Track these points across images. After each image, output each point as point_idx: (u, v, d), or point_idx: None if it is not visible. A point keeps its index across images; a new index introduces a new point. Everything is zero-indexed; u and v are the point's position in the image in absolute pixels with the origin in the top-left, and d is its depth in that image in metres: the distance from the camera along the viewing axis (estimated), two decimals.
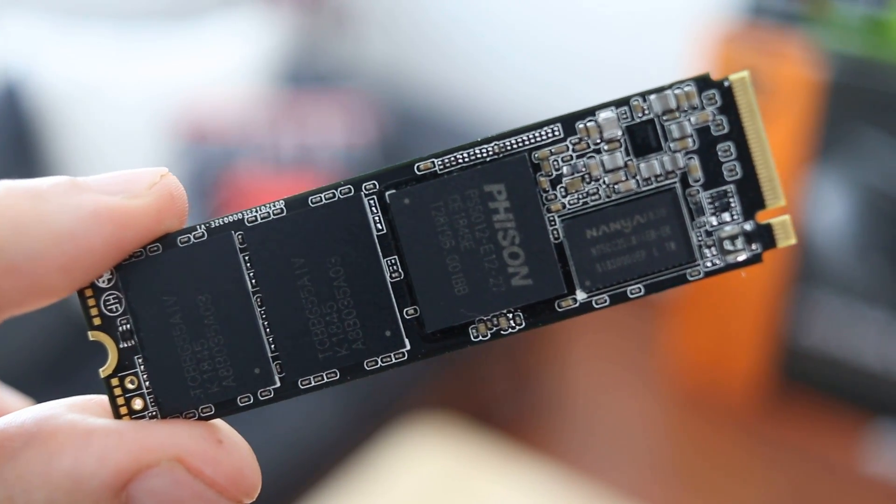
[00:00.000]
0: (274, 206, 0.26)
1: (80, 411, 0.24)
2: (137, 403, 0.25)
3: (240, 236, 0.25)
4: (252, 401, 0.25)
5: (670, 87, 0.25)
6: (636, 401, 1.42)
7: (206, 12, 1.51)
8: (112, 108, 1.36)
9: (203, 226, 0.25)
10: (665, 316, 1.43)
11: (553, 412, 1.38)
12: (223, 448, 0.24)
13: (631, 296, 0.26)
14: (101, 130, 1.36)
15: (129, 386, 0.25)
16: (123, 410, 0.25)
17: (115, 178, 0.25)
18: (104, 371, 0.25)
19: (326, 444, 1.16)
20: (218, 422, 0.25)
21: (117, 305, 0.25)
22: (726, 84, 0.25)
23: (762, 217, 0.25)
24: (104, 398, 0.25)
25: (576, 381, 1.43)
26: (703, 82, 0.25)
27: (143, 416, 0.25)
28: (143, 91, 1.36)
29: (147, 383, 0.25)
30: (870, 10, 1.19)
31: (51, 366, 1.18)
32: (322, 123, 1.36)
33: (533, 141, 0.25)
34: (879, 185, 1.19)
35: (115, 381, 0.25)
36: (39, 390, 0.35)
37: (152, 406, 0.25)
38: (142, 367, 0.25)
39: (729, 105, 0.25)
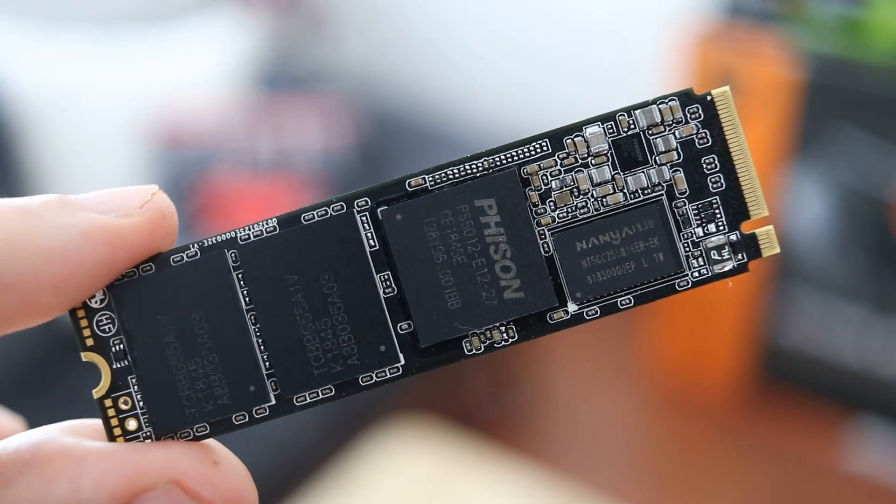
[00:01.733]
0: (267, 223, 0.26)
1: (74, 435, 0.24)
2: (131, 424, 0.25)
3: (233, 254, 0.26)
4: (247, 419, 0.26)
5: (655, 101, 0.26)
6: (617, 401, 1.42)
7: (181, 16, 1.50)
8: (87, 112, 1.35)
9: (196, 245, 0.26)
10: (644, 316, 1.43)
11: (534, 414, 1.38)
12: (219, 469, 0.24)
13: (621, 307, 0.26)
14: (76, 135, 1.36)
15: (123, 406, 0.25)
16: (118, 432, 0.25)
17: (107, 196, 0.25)
18: (97, 392, 0.25)
19: (306, 448, 1.16)
20: (213, 442, 0.25)
21: (110, 325, 0.25)
22: (709, 98, 0.26)
23: (747, 227, 0.26)
24: (97, 421, 0.25)
25: (557, 382, 1.43)
26: (686, 97, 0.26)
27: (137, 437, 0.25)
28: (119, 96, 1.36)
29: (141, 403, 0.25)
30: (845, 9, 1.20)
31: (28, 376, 1.17)
32: (299, 127, 1.35)
33: (522, 156, 0.26)
34: (857, 183, 1.20)
35: (108, 402, 0.25)
36: (16, 402, 0.35)
37: (146, 426, 0.25)
38: (135, 387, 0.25)
39: (712, 118, 0.26)
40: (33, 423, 0.29)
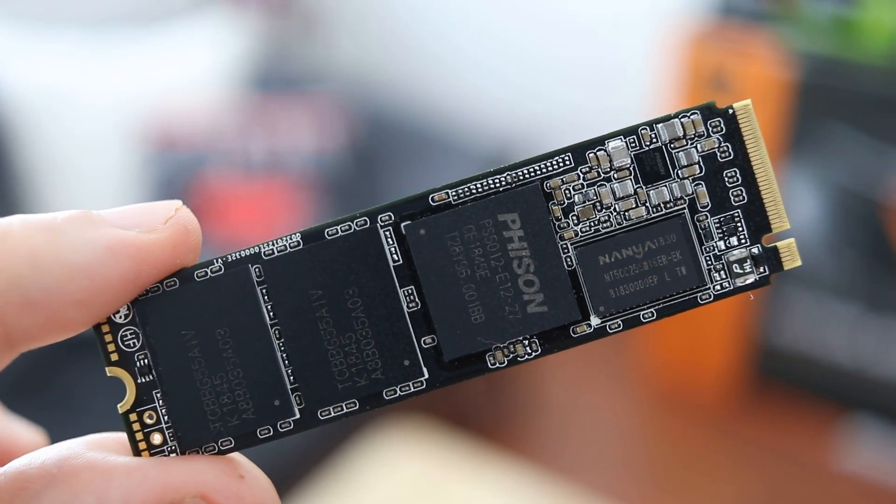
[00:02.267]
0: (290, 238, 0.26)
1: (100, 449, 0.24)
2: (156, 438, 0.25)
3: (257, 269, 0.26)
4: (272, 433, 0.26)
5: (677, 115, 0.26)
6: (611, 401, 1.42)
7: (173, 17, 1.50)
8: (80, 114, 1.35)
9: (220, 260, 0.26)
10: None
11: (528, 414, 1.38)
12: (245, 483, 0.24)
13: (644, 320, 0.26)
14: (69, 137, 1.35)
15: (148, 421, 0.25)
16: (143, 446, 0.25)
17: (131, 211, 0.25)
18: (122, 406, 0.25)
19: (302, 449, 1.16)
20: (238, 456, 0.25)
21: (135, 340, 0.25)
22: (731, 112, 0.26)
23: (768, 240, 0.26)
24: (122, 435, 0.25)
25: (550, 383, 1.43)
26: (708, 110, 0.26)
27: (162, 451, 0.25)
28: (112, 97, 1.35)
29: (166, 418, 0.25)
30: (838, 9, 1.21)
31: (26, 378, 1.17)
32: (292, 128, 1.35)
33: (545, 171, 0.26)
34: (850, 183, 1.21)
35: (133, 417, 0.25)
36: (14, 404, 0.35)
37: (171, 440, 0.25)
38: (160, 401, 0.25)
39: (733, 132, 0.26)
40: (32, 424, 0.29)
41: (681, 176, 0.26)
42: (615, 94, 1.47)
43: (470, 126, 1.48)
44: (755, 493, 1.25)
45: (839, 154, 1.19)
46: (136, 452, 0.25)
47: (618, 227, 0.26)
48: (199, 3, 1.55)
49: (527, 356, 0.26)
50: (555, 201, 0.26)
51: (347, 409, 0.26)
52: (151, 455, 0.25)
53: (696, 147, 0.26)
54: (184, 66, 1.40)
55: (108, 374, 0.25)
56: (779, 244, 0.26)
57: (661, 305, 0.26)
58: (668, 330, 1.38)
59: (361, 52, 1.76)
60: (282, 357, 0.25)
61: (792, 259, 0.26)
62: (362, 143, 1.39)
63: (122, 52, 1.40)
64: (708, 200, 0.26)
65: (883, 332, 1.23)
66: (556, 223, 0.26)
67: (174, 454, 0.25)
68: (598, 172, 0.26)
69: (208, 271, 0.26)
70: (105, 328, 0.25)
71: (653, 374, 1.42)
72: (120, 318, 0.25)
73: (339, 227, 0.26)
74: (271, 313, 0.26)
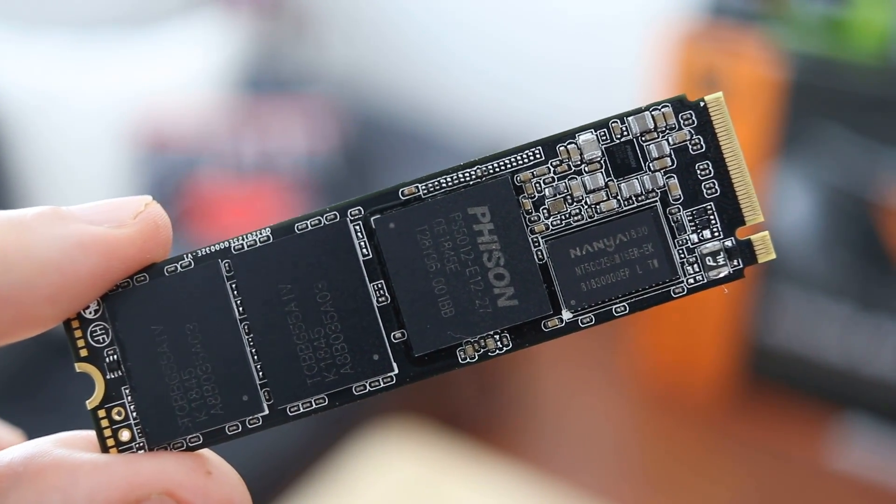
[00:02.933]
0: (260, 233, 0.26)
1: (68, 446, 0.24)
2: (125, 435, 0.25)
3: (227, 264, 0.25)
4: (240, 429, 0.26)
5: (648, 108, 0.26)
6: (604, 401, 1.42)
7: (164, 19, 1.50)
8: (71, 117, 1.35)
9: (190, 255, 0.26)
10: (630, 316, 1.43)
11: (521, 415, 1.38)
12: (212, 479, 0.24)
13: (616, 314, 0.26)
14: (60, 140, 1.35)
15: (117, 417, 0.25)
16: (111, 443, 0.25)
17: (100, 207, 0.25)
18: (91, 403, 0.25)
19: (294, 450, 1.16)
20: (206, 452, 0.25)
21: (104, 336, 0.25)
22: (702, 104, 0.26)
23: (742, 233, 0.26)
24: (91, 433, 0.25)
25: (543, 383, 1.43)
26: (679, 103, 0.26)
27: (130, 448, 0.25)
28: (102, 100, 1.35)
29: (134, 414, 0.25)
30: (828, 9, 1.21)
31: (12, 381, 1.16)
32: (283, 130, 1.35)
33: (515, 164, 0.26)
34: (841, 182, 1.21)
35: (102, 413, 0.25)
36: (1, 408, 0.35)
37: (139, 437, 0.25)
38: (129, 397, 0.25)
39: (705, 124, 0.26)
40: (20, 428, 0.29)
41: (652, 168, 0.26)
42: (606, 94, 1.47)
43: (461, 126, 1.48)
44: (748, 492, 1.25)
45: (830, 153, 1.19)
46: (105, 449, 0.25)
47: (589, 220, 0.26)
48: (190, 5, 1.55)
49: (497, 351, 0.26)
50: (525, 195, 0.26)
51: (316, 405, 0.25)
52: (119, 452, 0.25)
53: (667, 140, 0.26)
54: (175, 68, 1.39)
55: (77, 370, 0.25)
56: (752, 237, 0.26)
57: (634, 299, 0.26)
58: (661, 330, 1.38)
59: (352, 53, 1.76)
60: (251, 352, 0.25)
61: (766, 252, 0.26)
62: (353, 143, 1.39)
63: (113, 53, 1.39)
64: (680, 193, 0.26)
65: (875, 331, 1.23)
66: (527, 216, 0.26)
67: (142, 451, 0.25)
68: (568, 165, 0.26)
69: (178, 266, 0.25)
70: (75, 324, 0.25)
71: (646, 374, 1.42)
72: (90, 313, 0.25)
73: (308, 222, 0.26)
74: (240, 308, 0.25)
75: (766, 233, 0.26)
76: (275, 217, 1.29)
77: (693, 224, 0.26)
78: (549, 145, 0.26)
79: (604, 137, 0.26)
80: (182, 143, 1.34)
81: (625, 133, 0.26)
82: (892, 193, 1.18)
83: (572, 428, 1.40)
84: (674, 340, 1.37)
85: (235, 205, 1.32)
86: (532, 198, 0.26)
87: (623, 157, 0.26)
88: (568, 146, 0.26)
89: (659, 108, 0.26)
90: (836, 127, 1.19)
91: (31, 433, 0.30)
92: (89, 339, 0.25)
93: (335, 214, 0.26)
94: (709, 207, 0.26)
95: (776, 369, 1.32)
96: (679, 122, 0.26)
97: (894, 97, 1.17)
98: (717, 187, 0.26)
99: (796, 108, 1.20)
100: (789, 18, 1.23)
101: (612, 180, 0.26)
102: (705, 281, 0.26)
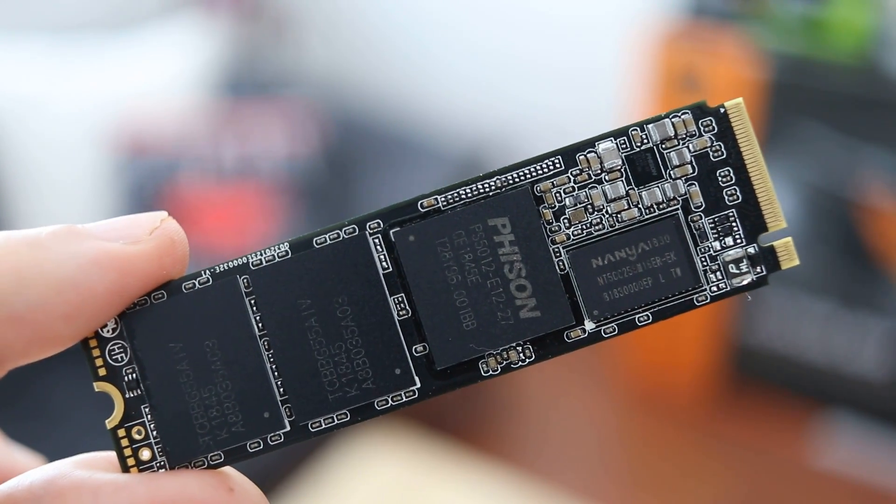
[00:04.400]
0: (279, 248, 0.25)
1: (88, 468, 0.24)
2: (145, 454, 0.25)
3: (245, 280, 0.25)
4: (262, 446, 0.25)
5: (667, 115, 0.26)
6: (588, 403, 1.42)
7: (143, 23, 1.49)
8: (50, 121, 1.34)
9: (208, 271, 0.25)
10: None
11: (506, 417, 1.38)
12: (234, 496, 0.24)
13: (639, 324, 0.26)
14: (39, 144, 1.34)
15: (136, 436, 0.25)
16: (131, 462, 0.25)
17: (115, 224, 0.24)
18: (110, 422, 0.25)
19: (278, 455, 1.15)
20: (228, 469, 0.25)
21: (122, 355, 0.25)
22: (722, 111, 0.26)
23: (764, 240, 0.26)
24: (111, 454, 0.25)
25: (527, 384, 1.43)
26: (699, 110, 0.26)
27: (150, 467, 0.25)
28: (82, 104, 1.34)
29: (154, 433, 0.25)
30: (807, 9, 1.21)
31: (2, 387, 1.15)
32: (264, 133, 1.34)
33: (535, 174, 0.25)
34: (822, 181, 1.21)
35: (121, 433, 0.25)
36: None
37: (160, 456, 0.25)
38: (149, 416, 0.25)
39: (725, 131, 0.26)
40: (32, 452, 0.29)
41: (673, 176, 0.26)
42: (587, 95, 1.47)
43: (442, 129, 1.47)
44: (733, 491, 1.26)
45: (811, 152, 1.20)
46: (125, 469, 0.25)
47: (610, 229, 0.25)
48: (169, 8, 1.54)
49: (520, 363, 0.25)
50: (545, 205, 0.25)
51: (339, 420, 0.25)
52: (140, 471, 0.25)
53: (687, 147, 0.26)
54: (154, 72, 1.38)
55: (96, 390, 0.25)
56: (775, 243, 0.26)
57: (657, 308, 0.26)
58: (644, 330, 1.38)
59: (333, 55, 1.75)
60: (271, 369, 0.25)
61: (789, 258, 0.26)
62: (334, 147, 1.38)
63: (92, 57, 1.38)
64: (702, 200, 0.25)
65: (857, 328, 1.23)
66: (548, 227, 0.25)
67: (163, 469, 0.25)
68: (588, 175, 0.25)
69: (196, 283, 0.25)
70: (92, 342, 0.25)
71: (630, 375, 1.42)
72: (107, 332, 0.25)
73: (327, 236, 0.25)
74: (260, 324, 0.25)
75: (790, 238, 0.26)
76: (256, 221, 1.28)
77: (715, 231, 0.25)
78: (569, 154, 0.25)
79: (624, 146, 0.25)
80: (162, 147, 1.33)
81: (645, 141, 0.26)
82: (872, 191, 1.19)
83: (557, 429, 1.40)
84: (657, 341, 1.37)
85: (216, 209, 1.31)
86: (552, 208, 0.25)
87: (644, 166, 0.25)
88: (588, 155, 0.25)
89: (679, 115, 0.26)
90: (816, 126, 1.20)
91: (15, 440, 0.29)
92: (107, 358, 0.25)
93: (354, 228, 0.25)
94: (731, 214, 0.25)
95: (759, 368, 1.33)
96: (699, 129, 0.26)
97: (873, 96, 1.18)
98: (738, 194, 0.25)
99: (776, 107, 1.20)
100: (769, 18, 1.23)
101: (633, 189, 0.25)
102: (729, 289, 0.26)
